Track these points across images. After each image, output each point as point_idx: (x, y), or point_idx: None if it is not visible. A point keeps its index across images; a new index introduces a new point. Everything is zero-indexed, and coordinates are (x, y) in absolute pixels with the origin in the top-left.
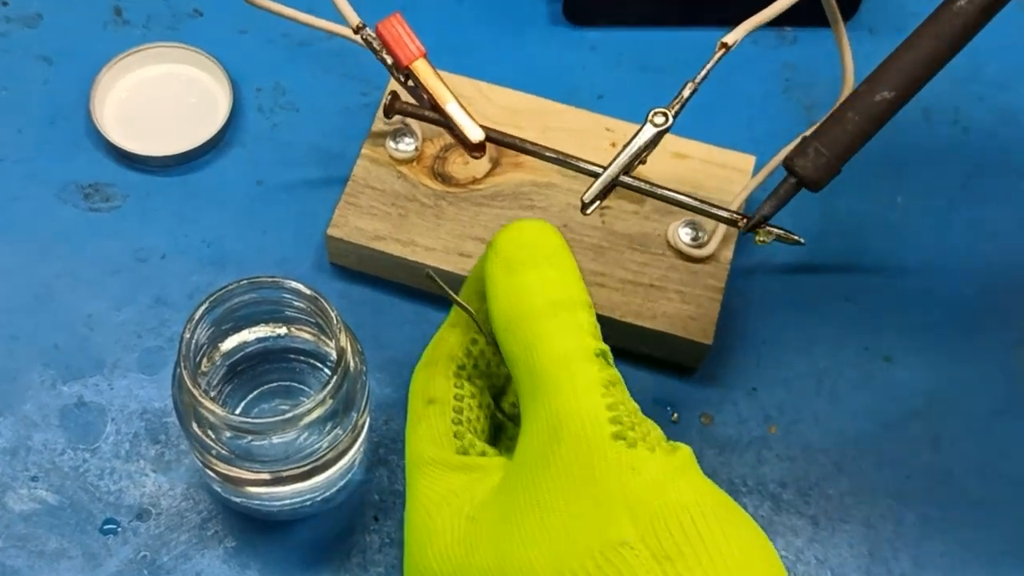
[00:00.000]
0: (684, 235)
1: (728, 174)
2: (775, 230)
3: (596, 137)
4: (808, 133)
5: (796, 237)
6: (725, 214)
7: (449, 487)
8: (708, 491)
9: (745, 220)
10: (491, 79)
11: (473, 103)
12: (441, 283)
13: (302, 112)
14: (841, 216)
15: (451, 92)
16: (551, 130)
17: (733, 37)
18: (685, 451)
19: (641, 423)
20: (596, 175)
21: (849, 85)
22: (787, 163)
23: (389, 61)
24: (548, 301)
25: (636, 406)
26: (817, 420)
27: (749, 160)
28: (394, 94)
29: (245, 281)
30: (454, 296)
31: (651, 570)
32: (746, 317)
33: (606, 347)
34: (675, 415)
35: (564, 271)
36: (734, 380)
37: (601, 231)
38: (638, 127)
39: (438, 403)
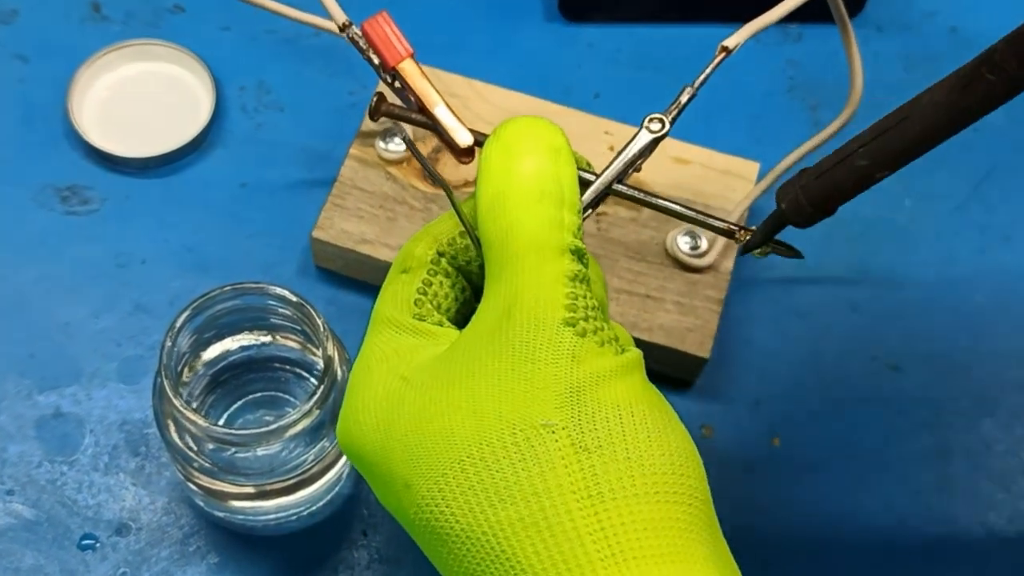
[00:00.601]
0: (683, 244)
1: (730, 181)
2: (772, 245)
3: (594, 140)
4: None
5: (795, 251)
6: (722, 225)
7: (395, 347)
8: (646, 396)
9: (744, 232)
10: (484, 76)
11: (468, 102)
12: (418, 152)
13: (287, 111)
14: (846, 221)
15: (439, 94)
16: None
17: (735, 40)
18: (635, 354)
19: (599, 319)
20: (588, 182)
21: (857, 90)
22: (778, 201)
23: (376, 61)
24: (538, 189)
25: (602, 305)
26: (822, 433)
27: (752, 167)
28: (380, 95)
29: (228, 287)
30: (430, 167)
31: (567, 457)
32: (749, 327)
33: (584, 248)
34: None
35: (562, 168)
36: (737, 391)
37: (596, 238)
38: (635, 132)
39: (410, 272)
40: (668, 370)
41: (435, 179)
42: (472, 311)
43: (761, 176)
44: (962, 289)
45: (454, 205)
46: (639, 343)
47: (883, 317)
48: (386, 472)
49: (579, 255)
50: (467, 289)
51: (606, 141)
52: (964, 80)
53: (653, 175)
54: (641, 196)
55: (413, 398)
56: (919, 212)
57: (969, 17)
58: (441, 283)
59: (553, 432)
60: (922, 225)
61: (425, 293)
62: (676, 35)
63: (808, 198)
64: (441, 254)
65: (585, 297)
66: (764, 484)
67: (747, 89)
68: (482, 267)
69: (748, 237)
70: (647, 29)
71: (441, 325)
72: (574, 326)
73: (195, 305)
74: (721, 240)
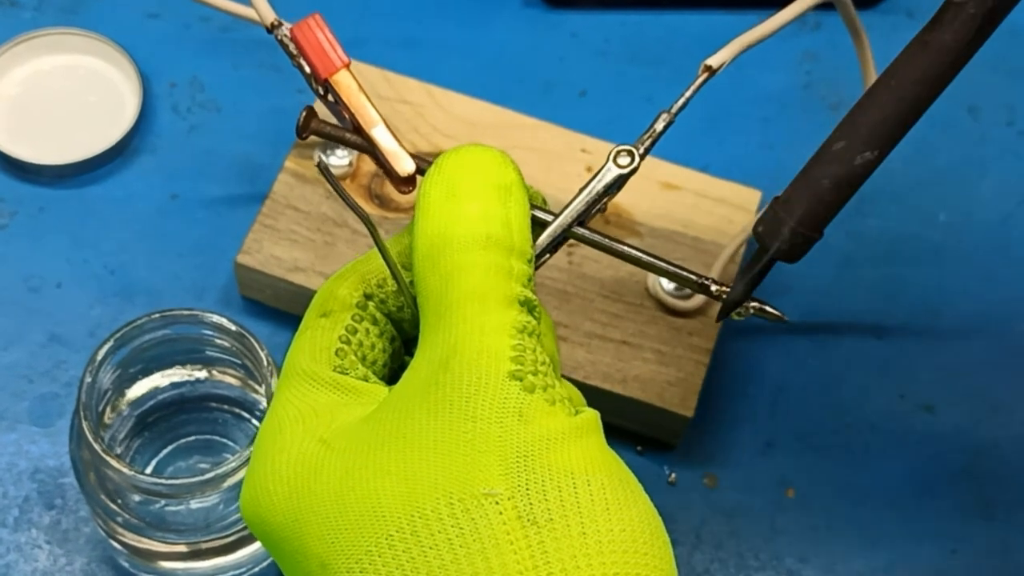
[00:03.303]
0: (667, 283)
1: (727, 211)
2: (753, 305)
3: (569, 160)
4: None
5: (778, 314)
6: (695, 279)
7: (311, 404)
8: (604, 462)
9: (721, 288)
10: (450, 74)
11: (423, 111)
12: (333, 177)
13: (225, 113)
14: (871, 237)
15: (378, 113)
16: (516, 150)
17: (719, 59)
18: (590, 414)
19: (549, 375)
20: (545, 223)
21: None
22: (757, 238)
23: (306, 70)
24: (483, 234)
25: (553, 361)
26: (844, 482)
27: (753, 195)
28: (310, 110)
29: (157, 315)
30: (346, 193)
31: (512, 531)
32: (758, 358)
33: (536, 300)
34: (672, 475)
35: (512, 209)
36: (743, 434)
37: (567, 273)
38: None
39: (331, 317)
40: (643, 430)
41: (354, 211)
42: (403, 367)
43: (763, 205)
44: (1005, 316)
45: (379, 244)
46: (611, 397)
47: (914, 349)
48: (298, 549)
49: (529, 307)
50: (397, 340)
51: (583, 160)
52: (925, 32)
53: (635, 201)
54: (603, 242)
55: (333, 463)
56: (956, 228)
57: None
58: (367, 331)
59: (497, 503)
60: (959, 242)
61: (348, 342)
62: (674, 23)
63: (794, 216)
64: (369, 297)
65: (534, 351)
66: (776, 542)
67: (757, 87)
68: (415, 315)
69: (726, 303)
70: (641, 16)
71: (366, 380)
72: (521, 380)
73: (118, 336)
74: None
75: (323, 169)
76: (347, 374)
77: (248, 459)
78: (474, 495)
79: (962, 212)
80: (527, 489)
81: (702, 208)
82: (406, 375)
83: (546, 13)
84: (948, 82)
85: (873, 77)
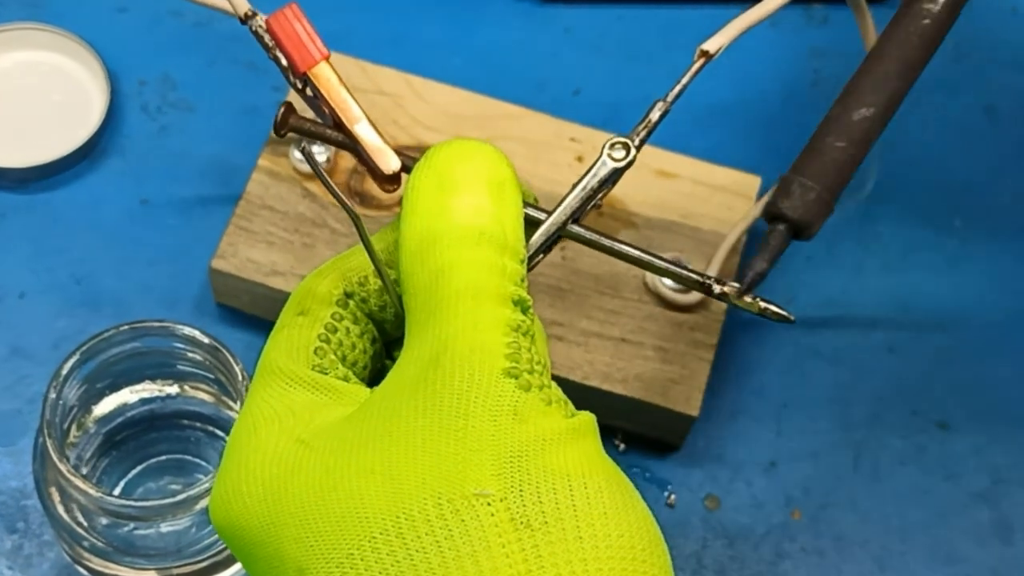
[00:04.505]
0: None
1: (726, 199)
2: (761, 302)
3: (558, 150)
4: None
5: (784, 313)
6: (696, 278)
7: (288, 404)
8: (601, 466)
9: (725, 286)
10: (437, 72)
11: (402, 102)
12: (317, 165)
13: (198, 112)
14: (883, 244)
15: (361, 108)
16: (502, 141)
17: (716, 43)
18: (587, 417)
19: (546, 375)
20: (537, 222)
21: None
22: (770, 208)
23: (283, 63)
24: (476, 230)
25: (547, 363)
26: (853, 504)
27: (752, 181)
28: (288, 106)
29: (125, 326)
30: (335, 188)
31: (505, 534)
32: (761, 372)
33: (530, 300)
34: (671, 496)
35: (506, 207)
36: (747, 453)
37: (561, 269)
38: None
39: (309, 315)
40: (645, 431)
41: (341, 204)
42: (384, 370)
43: (763, 192)
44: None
45: (363, 238)
46: (611, 398)
47: (927, 362)
48: (273, 555)
49: (523, 307)
50: (378, 341)
51: (573, 150)
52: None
53: (630, 191)
54: (600, 241)
55: (312, 462)
56: (972, 234)
57: None
58: (348, 330)
59: (489, 504)
60: (976, 250)
61: (328, 341)
62: (672, 18)
63: (805, 176)
64: (350, 295)
65: (529, 350)
66: (781, 568)
67: (762, 85)
68: (399, 316)
69: (733, 289)
70: (637, 10)
71: (347, 380)
72: (516, 378)
73: (85, 349)
74: (715, 267)
75: (308, 155)
76: (326, 373)
77: None
78: (464, 496)
79: (977, 217)
80: (521, 490)
81: (700, 196)
82: (391, 375)
83: (538, 7)
84: (935, 46)
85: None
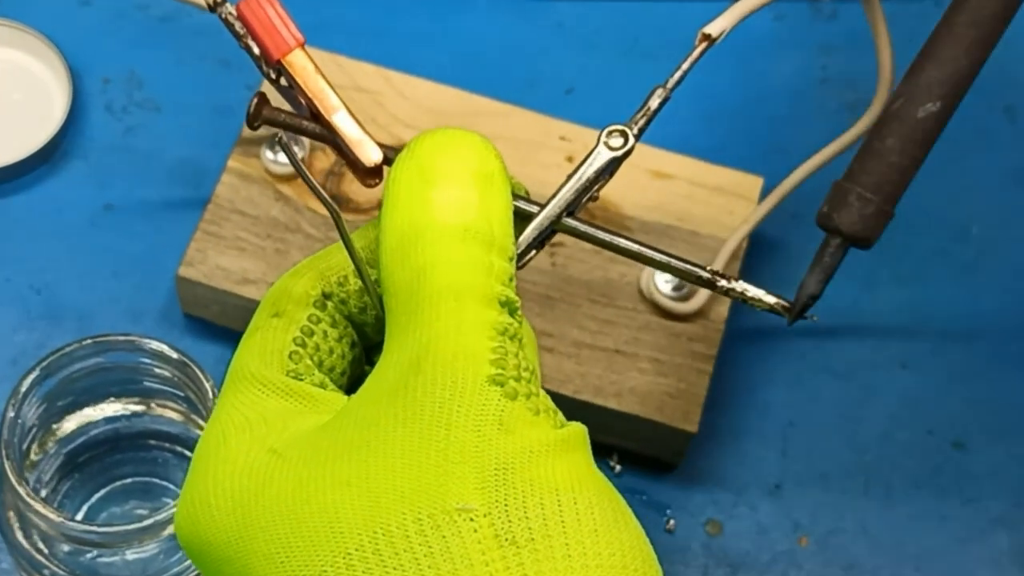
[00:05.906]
0: (663, 284)
1: (726, 201)
2: (768, 299)
3: (547, 149)
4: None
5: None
6: (703, 274)
7: (260, 412)
8: (591, 479)
9: (728, 280)
10: (421, 68)
11: (381, 99)
12: (295, 156)
13: (165, 112)
14: (896, 254)
15: (339, 97)
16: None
17: (719, 26)
18: (578, 428)
19: (534, 383)
20: (529, 215)
21: (885, 85)
22: (824, 221)
23: (256, 51)
24: (460, 226)
25: (536, 369)
26: (864, 529)
27: (754, 183)
28: (262, 96)
29: (89, 340)
30: (315, 184)
31: (488, 551)
32: (765, 387)
33: (518, 301)
34: (670, 522)
35: (493, 200)
36: (750, 474)
37: (550, 276)
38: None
39: (285, 317)
40: (641, 448)
41: (319, 197)
42: (363, 375)
43: (765, 194)
44: None
45: (344, 236)
46: (604, 413)
47: (943, 378)
48: (241, 571)
49: (511, 309)
50: (357, 346)
51: (563, 149)
52: None
53: (623, 193)
54: (596, 235)
55: (285, 474)
56: (989, 242)
57: None
58: (325, 334)
59: (472, 519)
60: (992, 259)
61: (304, 345)
62: (670, 12)
63: (861, 185)
64: (328, 296)
65: (516, 355)
66: None
67: (767, 84)
68: (380, 319)
69: (800, 303)
70: (634, 5)
71: (323, 387)
72: (502, 385)
73: (45, 364)
74: None
75: (284, 146)
76: (302, 380)
77: None
78: (446, 510)
79: (995, 225)
80: (506, 505)
81: (698, 198)
82: (369, 380)
83: (529, 1)
84: (1005, 24)
85: (889, 73)
